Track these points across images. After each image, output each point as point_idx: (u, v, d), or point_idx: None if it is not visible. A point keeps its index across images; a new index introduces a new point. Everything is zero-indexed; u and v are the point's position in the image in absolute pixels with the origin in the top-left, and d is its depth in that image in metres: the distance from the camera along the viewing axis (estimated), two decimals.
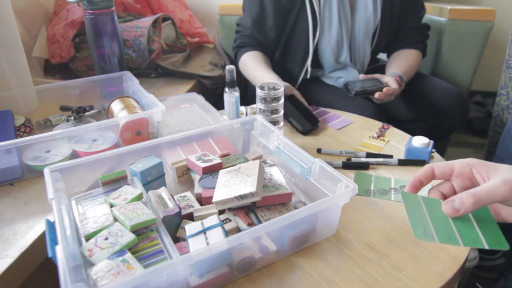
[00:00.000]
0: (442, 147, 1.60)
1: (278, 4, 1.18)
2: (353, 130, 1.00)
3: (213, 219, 0.58)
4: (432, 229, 0.52)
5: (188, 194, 0.70)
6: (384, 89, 1.11)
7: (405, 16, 1.27)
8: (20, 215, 0.69)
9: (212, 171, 0.73)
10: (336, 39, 1.20)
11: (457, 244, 0.51)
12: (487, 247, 0.50)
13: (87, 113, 1.00)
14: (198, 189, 0.70)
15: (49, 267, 0.60)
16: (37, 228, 0.66)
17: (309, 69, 1.24)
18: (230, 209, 0.64)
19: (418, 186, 0.57)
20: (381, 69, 1.30)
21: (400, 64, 1.23)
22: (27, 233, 0.65)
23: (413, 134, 0.93)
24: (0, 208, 0.71)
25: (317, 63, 1.28)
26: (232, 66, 0.92)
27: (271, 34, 1.23)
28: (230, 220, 0.62)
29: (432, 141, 0.88)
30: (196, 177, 0.73)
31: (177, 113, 1.02)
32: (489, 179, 0.51)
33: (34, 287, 0.67)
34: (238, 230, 0.61)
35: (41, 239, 0.64)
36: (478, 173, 0.53)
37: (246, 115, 1.06)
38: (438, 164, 0.56)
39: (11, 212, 0.70)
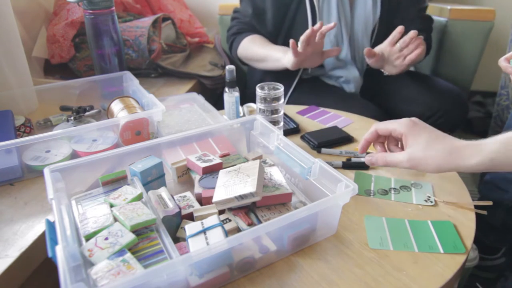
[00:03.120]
0: None
1: None
2: (353, 130, 1.00)
3: (213, 219, 0.58)
4: (389, 239, 0.65)
5: (188, 194, 0.70)
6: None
7: (405, 8, 1.25)
8: (20, 215, 0.69)
9: (212, 171, 0.73)
10: (335, 35, 1.20)
11: (412, 250, 0.62)
12: (442, 251, 0.62)
13: (87, 113, 1.00)
14: (198, 189, 0.70)
15: (49, 267, 0.60)
16: (37, 228, 0.66)
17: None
18: (230, 209, 0.64)
19: (367, 146, 0.76)
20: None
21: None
22: (27, 233, 0.65)
23: None
24: (0, 208, 0.71)
25: None
26: (232, 66, 0.92)
27: (270, 26, 1.24)
28: (230, 220, 0.62)
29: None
30: (196, 177, 0.73)
31: (177, 113, 1.02)
32: (405, 149, 0.69)
33: (34, 287, 0.67)
34: (238, 230, 0.61)
35: (41, 239, 0.64)
36: (404, 141, 0.70)
37: (244, 114, 1.06)
38: (380, 127, 0.74)
39: (11, 212, 0.70)
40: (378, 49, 1.14)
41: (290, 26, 1.23)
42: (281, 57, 1.14)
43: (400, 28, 1.09)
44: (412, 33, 1.07)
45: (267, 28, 1.24)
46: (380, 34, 1.25)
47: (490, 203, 0.74)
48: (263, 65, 1.24)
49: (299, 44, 1.03)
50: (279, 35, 1.26)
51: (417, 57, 1.09)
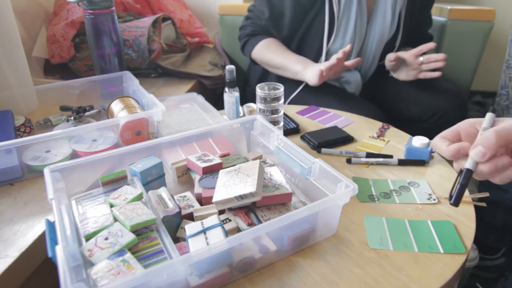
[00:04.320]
0: None
1: (298, 3, 1.18)
2: (353, 130, 1.00)
3: (213, 219, 0.58)
4: (389, 239, 0.65)
5: (188, 194, 0.70)
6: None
7: (416, 28, 1.30)
8: (20, 215, 0.69)
9: (212, 171, 0.73)
10: (348, 44, 1.20)
11: (412, 250, 0.63)
12: (442, 251, 0.62)
13: (87, 113, 1.00)
14: (198, 189, 0.70)
15: (49, 267, 0.60)
16: (37, 228, 0.66)
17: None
18: (230, 209, 0.64)
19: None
20: (381, 68, 1.30)
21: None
22: (27, 233, 0.65)
23: (413, 134, 0.93)
24: (0, 208, 0.71)
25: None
26: (232, 66, 0.92)
27: (285, 31, 1.24)
28: (230, 220, 0.62)
29: (432, 141, 0.87)
30: (196, 177, 0.73)
31: (177, 113, 1.02)
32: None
33: (34, 287, 0.67)
34: (238, 230, 0.61)
35: (41, 239, 0.64)
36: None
37: (244, 114, 1.06)
38: (446, 133, 0.57)
39: (11, 212, 0.70)
40: (402, 54, 1.18)
41: (305, 33, 1.23)
42: (300, 71, 1.15)
43: (432, 45, 1.15)
44: (442, 55, 1.13)
45: (283, 32, 1.25)
46: (389, 50, 1.28)
47: (487, 194, 0.75)
48: (278, 72, 1.26)
49: (323, 70, 1.05)
50: (293, 40, 1.26)
51: (431, 77, 1.17)
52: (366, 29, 1.22)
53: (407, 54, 1.18)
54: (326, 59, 1.24)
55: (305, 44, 1.25)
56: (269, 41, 1.25)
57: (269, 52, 1.23)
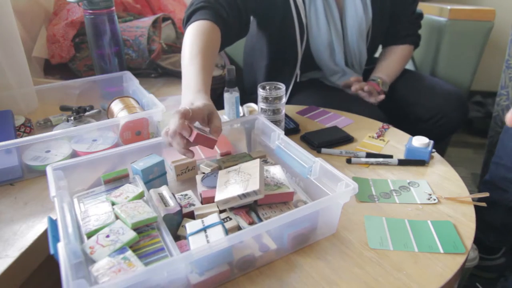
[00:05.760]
0: (442, 147, 1.60)
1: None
2: (353, 130, 1.00)
3: (214, 217, 0.58)
4: (389, 239, 0.65)
5: (189, 192, 0.70)
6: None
7: (397, 10, 1.28)
8: (20, 215, 0.69)
9: (205, 141, 0.68)
10: (327, 41, 1.20)
11: (412, 250, 0.63)
12: (442, 251, 0.62)
13: (87, 113, 1.00)
14: (200, 188, 0.70)
15: (49, 267, 0.60)
16: (37, 228, 0.66)
17: (298, 72, 1.24)
18: (231, 208, 0.64)
19: None
20: None
21: (385, 67, 1.29)
22: (27, 233, 0.64)
23: (413, 134, 0.93)
24: (0, 208, 0.71)
25: (315, 66, 1.28)
26: (232, 66, 0.92)
27: (238, 12, 1.00)
28: (230, 219, 0.62)
29: (432, 141, 0.88)
30: (199, 176, 0.73)
31: None
32: None
33: (34, 287, 0.67)
34: (238, 228, 0.61)
35: (41, 239, 0.64)
36: None
37: (244, 114, 1.06)
38: None
39: (11, 212, 0.70)
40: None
41: (278, 39, 1.22)
42: (184, 87, 0.81)
43: (353, 78, 1.23)
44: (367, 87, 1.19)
45: (232, 14, 0.97)
46: (374, 35, 1.26)
47: (487, 194, 0.76)
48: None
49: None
50: (268, 43, 1.25)
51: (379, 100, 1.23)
52: (342, 23, 1.22)
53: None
54: (310, 60, 1.24)
55: (280, 51, 1.24)
56: (208, 27, 0.90)
57: (196, 39, 0.87)
